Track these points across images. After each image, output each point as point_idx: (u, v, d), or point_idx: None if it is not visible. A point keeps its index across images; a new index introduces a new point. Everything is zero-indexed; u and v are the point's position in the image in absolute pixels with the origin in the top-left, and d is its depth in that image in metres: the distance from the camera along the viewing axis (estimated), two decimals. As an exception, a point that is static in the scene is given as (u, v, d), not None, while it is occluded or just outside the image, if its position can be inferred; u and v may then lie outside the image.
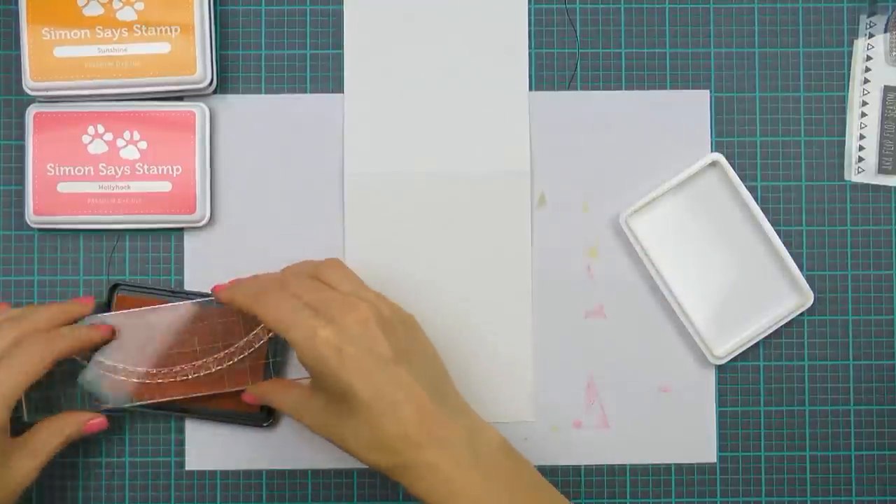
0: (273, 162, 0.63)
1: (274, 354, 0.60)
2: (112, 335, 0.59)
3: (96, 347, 0.59)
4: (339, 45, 0.64)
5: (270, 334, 0.59)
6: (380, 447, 0.51)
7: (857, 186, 0.64)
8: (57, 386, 0.59)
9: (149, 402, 0.60)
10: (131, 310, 0.60)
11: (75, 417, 0.58)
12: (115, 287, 0.62)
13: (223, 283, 0.58)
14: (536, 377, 0.63)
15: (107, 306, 0.61)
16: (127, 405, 0.60)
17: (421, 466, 0.50)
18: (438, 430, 0.51)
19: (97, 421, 0.59)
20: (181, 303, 0.60)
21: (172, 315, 0.60)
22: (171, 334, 0.60)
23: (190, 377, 0.60)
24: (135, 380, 0.60)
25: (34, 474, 0.56)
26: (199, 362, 0.60)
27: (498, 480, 0.51)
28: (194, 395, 0.60)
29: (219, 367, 0.60)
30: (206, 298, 0.61)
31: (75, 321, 0.59)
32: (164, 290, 0.62)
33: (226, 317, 0.60)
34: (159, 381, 0.60)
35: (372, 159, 0.63)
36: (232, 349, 0.60)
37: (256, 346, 0.60)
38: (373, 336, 0.52)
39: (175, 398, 0.60)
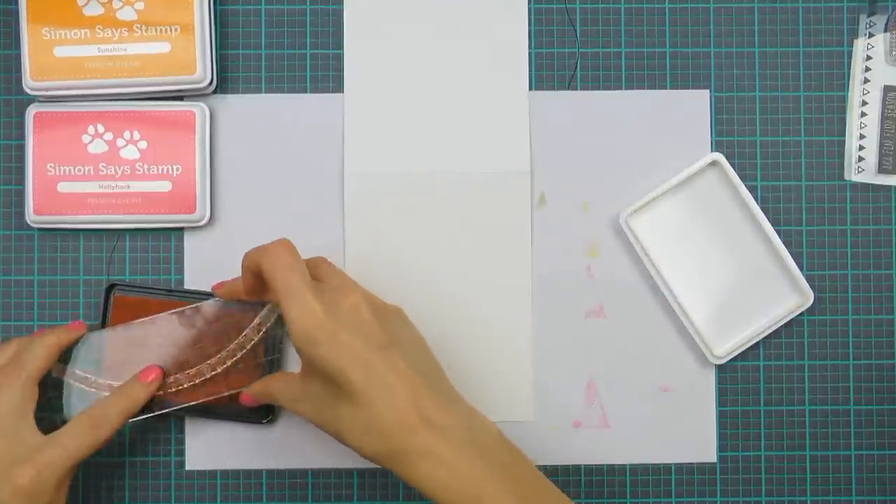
0: (273, 162, 0.63)
1: (271, 352, 0.60)
2: (80, 329, 0.59)
3: (70, 346, 0.59)
4: (339, 45, 0.64)
5: (262, 333, 0.59)
6: (375, 433, 0.50)
7: (857, 186, 0.64)
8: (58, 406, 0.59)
9: (148, 415, 0.59)
10: (117, 326, 0.60)
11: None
12: (111, 287, 0.62)
13: (221, 281, 0.59)
14: (536, 377, 0.63)
15: (104, 307, 0.61)
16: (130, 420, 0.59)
17: (418, 452, 0.49)
18: (435, 414, 0.50)
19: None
20: (167, 313, 0.60)
21: (160, 326, 0.60)
22: (160, 346, 0.60)
23: (185, 385, 0.59)
24: None
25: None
26: (193, 370, 0.59)
27: (498, 466, 0.50)
28: (194, 402, 0.59)
29: (214, 373, 0.59)
30: (192, 305, 0.60)
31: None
32: (162, 290, 0.62)
33: (214, 322, 0.60)
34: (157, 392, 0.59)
35: (372, 159, 0.63)
36: (224, 353, 0.59)
37: (248, 347, 0.59)
38: (366, 321, 0.52)
39: (175, 408, 0.59)
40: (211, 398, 0.59)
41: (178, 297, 0.61)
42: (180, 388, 0.59)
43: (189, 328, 0.60)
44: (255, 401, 0.59)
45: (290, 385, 0.55)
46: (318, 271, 0.56)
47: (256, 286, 0.56)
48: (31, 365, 0.56)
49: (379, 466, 0.62)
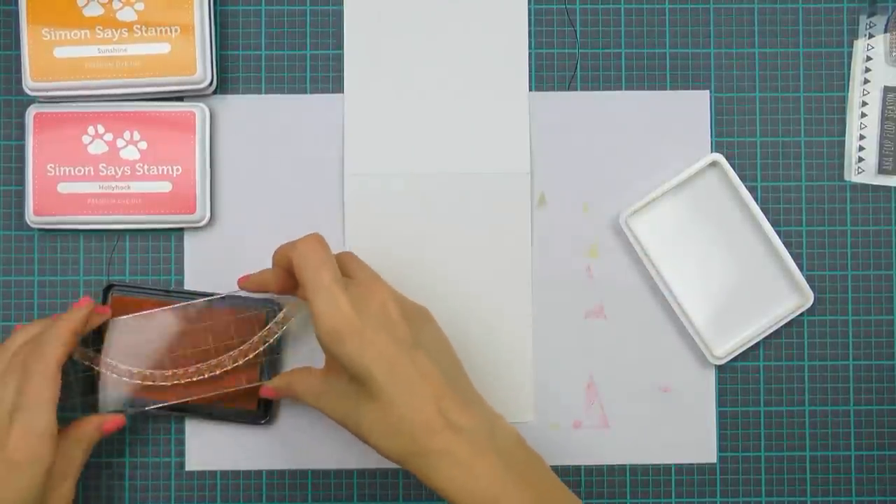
0: (273, 162, 0.63)
1: (270, 352, 0.60)
2: (102, 314, 0.59)
3: (89, 332, 0.58)
4: (339, 45, 0.64)
5: (284, 328, 0.59)
6: (396, 433, 0.50)
7: (857, 186, 0.64)
8: (73, 394, 0.59)
9: (161, 405, 0.60)
10: (139, 313, 0.60)
11: (91, 424, 0.58)
12: (110, 288, 0.62)
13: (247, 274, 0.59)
14: (536, 377, 0.63)
15: (102, 307, 0.61)
16: (140, 408, 0.60)
17: (438, 453, 0.49)
18: (456, 416, 0.50)
19: (115, 421, 0.58)
20: (189, 302, 0.60)
21: (181, 315, 0.60)
22: (179, 335, 0.60)
23: (206, 376, 0.59)
24: (144, 382, 0.59)
25: (72, 493, 0.56)
26: (215, 361, 0.59)
27: (516, 470, 0.50)
28: (197, 396, 0.60)
29: (235, 364, 0.59)
30: (216, 296, 0.61)
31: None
32: (160, 290, 0.62)
33: (235, 316, 0.60)
34: (166, 382, 0.59)
35: (372, 159, 0.63)
36: (246, 345, 0.59)
37: (271, 340, 0.59)
38: (393, 320, 0.52)
39: (181, 400, 0.60)
40: (216, 392, 0.60)
41: (176, 297, 0.61)
42: (201, 378, 0.59)
43: (210, 319, 0.60)
44: (277, 394, 0.59)
45: (313, 380, 0.55)
46: (347, 267, 0.56)
47: (286, 281, 0.57)
48: (52, 353, 0.54)
49: (391, 466, 0.62)
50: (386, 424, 0.50)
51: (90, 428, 0.58)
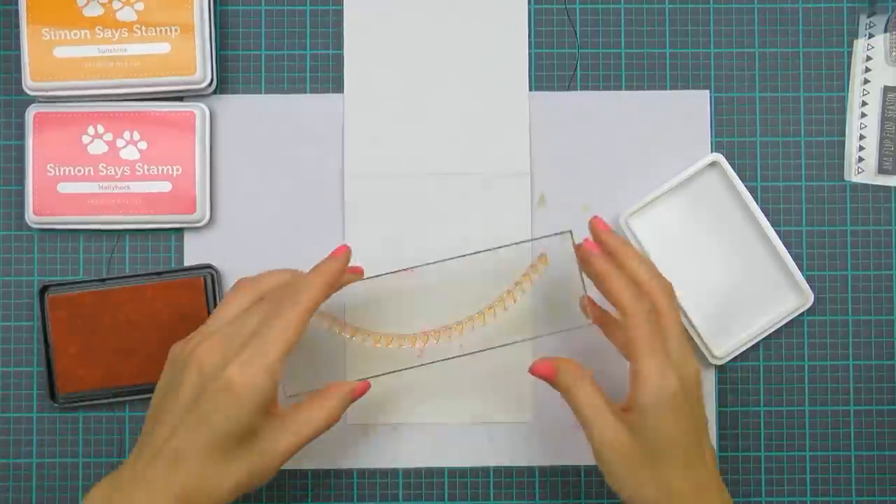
0: (273, 162, 0.63)
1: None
2: (355, 274, 0.58)
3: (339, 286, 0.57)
4: (339, 45, 0.64)
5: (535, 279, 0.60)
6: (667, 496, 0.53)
7: (857, 186, 0.64)
8: (319, 362, 0.59)
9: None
10: (375, 276, 0.59)
11: (338, 390, 0.55)
12: (45, 290, 0.61)
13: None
14: (536, 377, 0.63)
15: (41, 311, 0.61)
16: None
17: None
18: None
19: (363, 387, 0.57)
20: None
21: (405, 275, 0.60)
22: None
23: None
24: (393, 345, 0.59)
25: (293, 452, 0.53)
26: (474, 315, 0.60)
27: None
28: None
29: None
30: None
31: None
32: (95, 280, 0.61)
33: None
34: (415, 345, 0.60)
35: (372, 159, 0.63)
36: (503, 294, 0.60)
37: (528, 288, 0.60)
38: (697, 401, 0.54)
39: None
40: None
41: (112, 283, 0.61)
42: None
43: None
44: (551, 377, 0.57)
45: (601, 405, 0.56)
46: (628, 260, 0.56)
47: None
48: (306, 299, 0.53)
49: (390, 466, 0.62)
50: (655, 488, 0.54)
51: (336, 395, 0.55)
